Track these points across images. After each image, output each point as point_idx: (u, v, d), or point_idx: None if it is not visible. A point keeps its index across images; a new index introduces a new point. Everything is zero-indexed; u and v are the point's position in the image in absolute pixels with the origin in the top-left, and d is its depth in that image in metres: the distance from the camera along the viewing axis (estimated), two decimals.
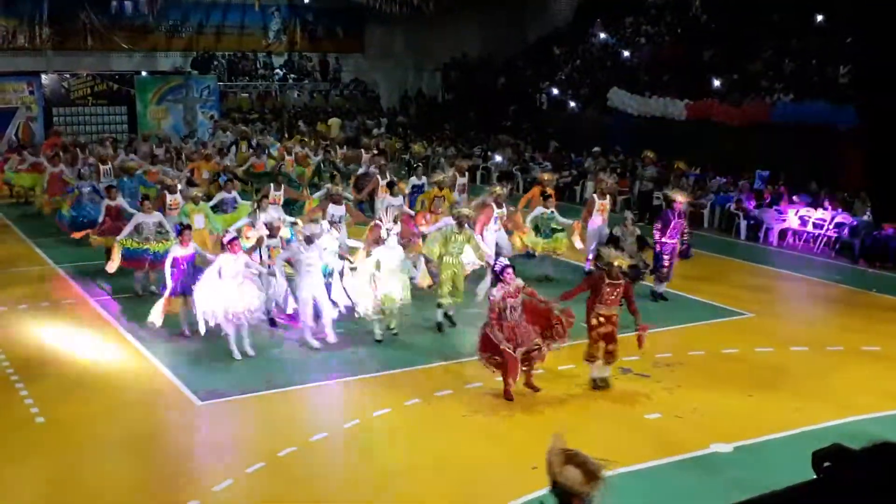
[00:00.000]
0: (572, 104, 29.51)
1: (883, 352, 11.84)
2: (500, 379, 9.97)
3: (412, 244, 13.62)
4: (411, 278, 12.37)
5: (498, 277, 10.10)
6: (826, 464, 2.87)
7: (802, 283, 15.95)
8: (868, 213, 17.91)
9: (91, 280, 15.18)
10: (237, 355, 11.38)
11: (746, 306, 13.99)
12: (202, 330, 11.38)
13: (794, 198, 19.48)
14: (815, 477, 2.88)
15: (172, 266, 11.92)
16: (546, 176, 17.20)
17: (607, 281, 10.09)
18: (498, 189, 15.54)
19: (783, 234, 19.08)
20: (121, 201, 15.63)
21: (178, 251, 12.00)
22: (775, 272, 16.77)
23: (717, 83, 24.53)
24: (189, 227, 12.62)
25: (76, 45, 33.69)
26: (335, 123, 33.89)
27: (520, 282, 10.04)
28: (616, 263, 10.18)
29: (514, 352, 9.66)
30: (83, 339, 12.30)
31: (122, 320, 13.03)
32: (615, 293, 10.12)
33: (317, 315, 11.77)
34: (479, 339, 10.09)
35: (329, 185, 16.82)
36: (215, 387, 10.36)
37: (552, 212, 15.34)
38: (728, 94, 23.87)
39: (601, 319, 10.11)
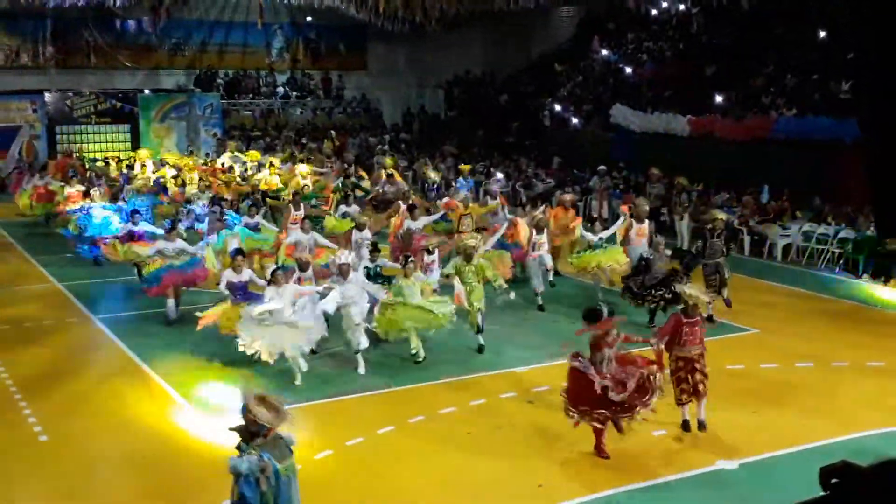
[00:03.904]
0: (575, 120, 29.57)
1: (888, 367, 11.80)
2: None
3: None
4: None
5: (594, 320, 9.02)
6: (833, 480, 2.86)
7: (807, 299, 15.90)
8: (872, 227, 17.87)
9: (95, 299, 15.18)
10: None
11: (751, 322, 13.96)
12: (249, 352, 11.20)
13: (798, 213, 19.48)
14: (822, 494, 2.87)
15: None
16: (568, 198, 17.65)
17: (684, 320, 9.47)
18: (538, 214, 15.36)
19: (787, 249, 19.06)
20: (144, 226, 15.93)
21: (231, 276, 11.94)
22: (780, 288, 16.72)
23: (719, 99, 24.59)
24: (242, 252, 12.58)
25: (79, 64, 33.80)
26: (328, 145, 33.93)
27: (615, 330, 9.00)
28: (692, 300, 9.45)
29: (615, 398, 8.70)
30: (86, 357, 12.30)
31: (125, 338, 13.02)
32: (692, 332, 9.43)
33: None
34: (568, 385, 8.96)
35: (349, 209, 17.34)
36: (219, 404, 10.33)
37: (582, 235, 15.23)
38: (730, 110, 23.92)
39: (680, 364, 9.46)
